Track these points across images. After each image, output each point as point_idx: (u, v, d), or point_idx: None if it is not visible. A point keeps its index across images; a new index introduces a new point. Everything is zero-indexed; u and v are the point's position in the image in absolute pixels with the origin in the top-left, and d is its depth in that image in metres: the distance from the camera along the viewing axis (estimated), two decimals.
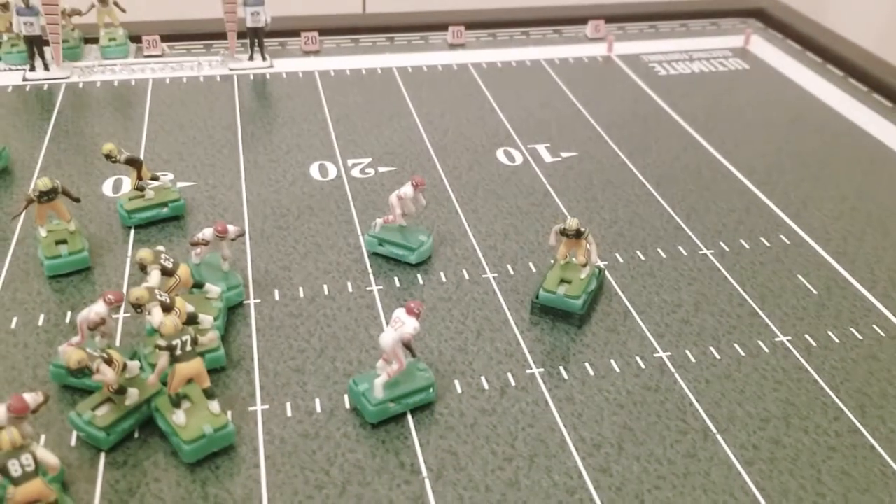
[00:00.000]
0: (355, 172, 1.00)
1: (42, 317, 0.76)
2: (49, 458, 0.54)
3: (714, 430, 0.66)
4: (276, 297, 0.79)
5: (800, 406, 0.69)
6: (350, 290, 0.80)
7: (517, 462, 0.63)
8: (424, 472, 0.62)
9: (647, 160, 1.05)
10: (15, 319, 0.75)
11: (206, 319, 0.69)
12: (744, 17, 1.50)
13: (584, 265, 0.78)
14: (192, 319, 0.68)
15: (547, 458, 0.63)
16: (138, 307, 0.66)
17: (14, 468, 0.52)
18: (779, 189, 1.00)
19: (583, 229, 0.76)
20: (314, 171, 1.00)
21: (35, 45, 1.17)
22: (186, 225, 0.89)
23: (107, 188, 0.95)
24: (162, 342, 0.60)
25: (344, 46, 1.34)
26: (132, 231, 0.88)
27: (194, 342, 0.61)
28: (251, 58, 1.23)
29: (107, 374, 0.60)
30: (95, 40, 1.26)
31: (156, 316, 0.65)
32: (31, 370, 0.69)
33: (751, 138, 1.12)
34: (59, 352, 0.67)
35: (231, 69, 1.22)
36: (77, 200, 0.83)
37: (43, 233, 0.82)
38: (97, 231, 0.87)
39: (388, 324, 0.70)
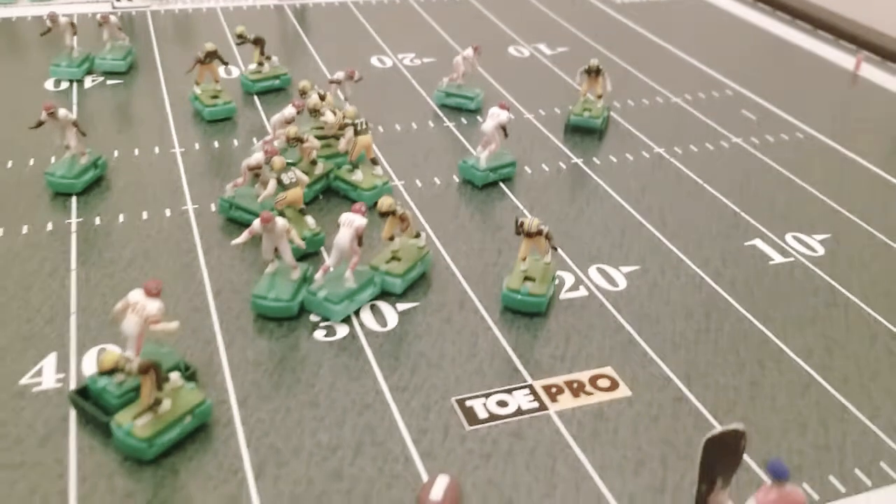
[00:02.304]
0: (406, 62, 1.30)
1: (216, 142, 1.03)
2: (302, 175, 0.81)
3: (702, 182, 1.00)
4: (381, 130, 1.08)
5: (753, 171, 1.04)
6: (432, 125, 1.10)
7: (580, 200, 0.95)
8: (521, 207, 0.93)
9: (618, 49, 1.39)
10: (196, 144, 1.02)
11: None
12: None
13: (600, 96, 1.10)
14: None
15: (597, 201, 0.95)
16: (314, 112, 0.94)
17: (285, 178, 0.80)
18: (710, 58, 1.35)
19: (601, 67, 1.08)
20: (374, 62, 1.30)
21: None
22: (291, 96, 1.17)
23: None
24: (348, 121, 0.89)
25: None
26: (255, 97, 1.15)
27: (365, 123, 0.90)
28: None
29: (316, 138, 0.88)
30: None
31: (329, 115, 0.93)
32: (226, 170, 0.97)
33: (682, 31, 1.48)
34: (255, 148, 0.94)
35: (280, 0, 1.50)
36: (226, 64, 1.10)
37: (198, 90, 1.08)
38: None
39: (468, 141, 1.01)
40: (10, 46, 1.30)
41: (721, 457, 0.46)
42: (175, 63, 1.25)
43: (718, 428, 0.46)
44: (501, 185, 0.98)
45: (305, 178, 0.83)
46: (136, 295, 0.62)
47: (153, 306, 0.62)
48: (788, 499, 0.47)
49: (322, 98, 0.99)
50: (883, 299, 0.82)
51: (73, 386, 0.66)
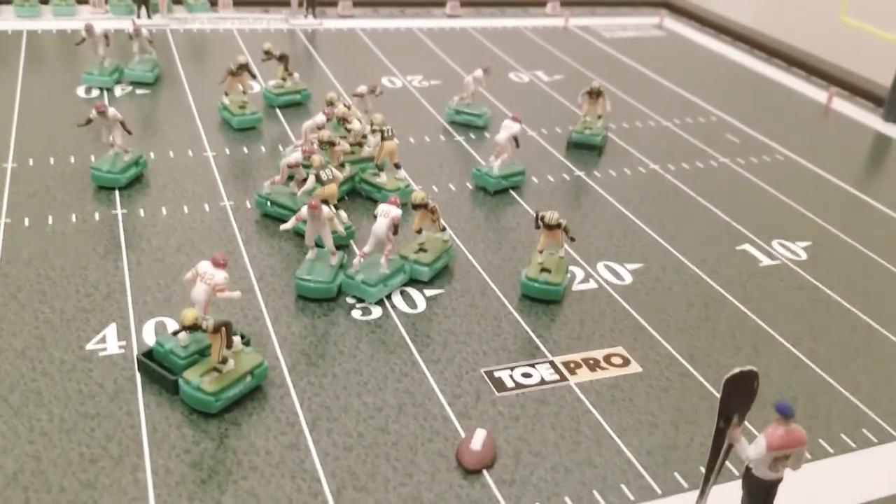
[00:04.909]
0: (415, 83, 1.39)
1: (245, 148, 1.10)
2: (338, 173, 0.88)
3: (695, 195, 1.09)
4: (396, 142, 1.15)
5: (739, 186, 1.14)
6: (443, 139, 1.19)
7: (584, 206, 1.04)
8: (531, 211, 1.00)
9: (610, 77, 1.49)
10: (227, 149, 1.09)
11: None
12: (656, 7, 2.00)
13: (600, 117, 1.19)
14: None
15: (599, 208, 1.04)
16: (342, 120, 1.01)
17: (323, 175, 0.87)
18: (694, 88, 1.46)
19: (601, 90, 1.17)
20: (385, 82, 1.38)
21: (143, 0, 1.49)
22: (310, 110, 1.24)
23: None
24: (376, 127, 0.96)
25: (368, 15, 1.73)
26: (277, 109, 1.23)
27: (391, 130, 0.98)
28: (305, 16, 1.60)
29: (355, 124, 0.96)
30: (180, 0, 1.59)
31: (355, 123, 1.01)
32: (256, 172, 1.04)
33: (668, 64, 1.59)
34: (289, 150, 1.02)
35: (292, 24, 1.58)
36: (254, 77, 1.17)
37: (227, 101, 1.15)
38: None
39: (477, 153, 1.09)
40: (39, 57, 1.36)
41: (737, 395, 0.54)
42: (198, 77, 1.33)
43: (736, 369, 0.54)
44: (511, 192, 1.06)
45: (340, 176, 0.90)
46: (205, 266, 0.69)
47: (220, 276, 0.68)
48: (793, 435, 0.54)
49: (348, 108, 1.07)
50: (861, 297, 0.91)
51: (135, 352, 0.72)
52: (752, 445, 0.55)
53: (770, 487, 0.57)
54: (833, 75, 1.61)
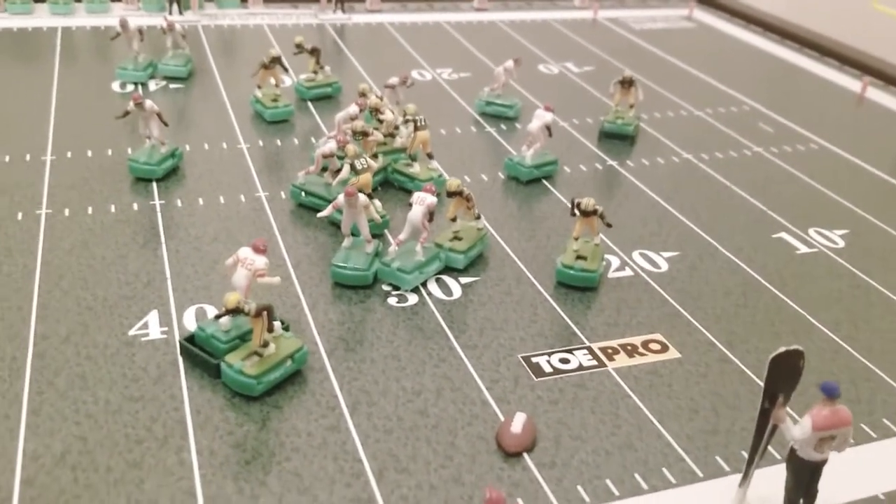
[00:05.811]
0: (444, 76, 1.39)
1: (278, 140, 1.10)
2: (372, 162, 0.89)
3: (729, 184, 1.08)
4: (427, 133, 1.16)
5: (774, 175, 1.12)
6: (474, 130, 1.19)
7: (618, 196, 1.03)
8: (564, 201, 1.00)
9: (641, 68, 1.48)
10: (260, 141, 1.10)
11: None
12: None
13: (632, 106, 1.19)
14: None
15: (633, 197, 1.04)
16: (374, 110, 1.02)
17: (357, 164, 0.87)
18: (726, 78, 1.45)
19: (633, 79, 1.17)
20: (415, 75, 1.38)
21: None
22: (341, 103, 1.25)
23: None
24: (409, 117, 0.97)
25: (396, 10, 1.74)
26: (308, 102, 1.23)
27: (424, 120, 0.98)
28: (334, 11, 1.61)
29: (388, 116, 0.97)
30: None
31: (388, 114, 1.01)
32: (290, 164, 1.05)
33: (698, 55, 1.58)
34: (323, 140, 1.02)
35: (321, 19, 1.59)
36: (286, 70, 1.18)
37: (259, 94, 1.16)
38: None
39: (508, 144, 1.09)
40: (74, 53, 1.38)
41: (783, 375, 0.53)
42: (230, 71, 1.34)
43: (781, 348, 0.53)
44: (544, 181, 1.06)
45: (375, 165, 0.91)
46: (245, 251, 0.69)
47: (260, 261, 0.69)
48: (838, 415, 0.54)
49: (380, 99, 1.08)
50: None
51: (177, 337, 0.73)
52: (797, 426, 0.55)
53: (815, 469, 0.57)
54: (866, 64, 1.59)
